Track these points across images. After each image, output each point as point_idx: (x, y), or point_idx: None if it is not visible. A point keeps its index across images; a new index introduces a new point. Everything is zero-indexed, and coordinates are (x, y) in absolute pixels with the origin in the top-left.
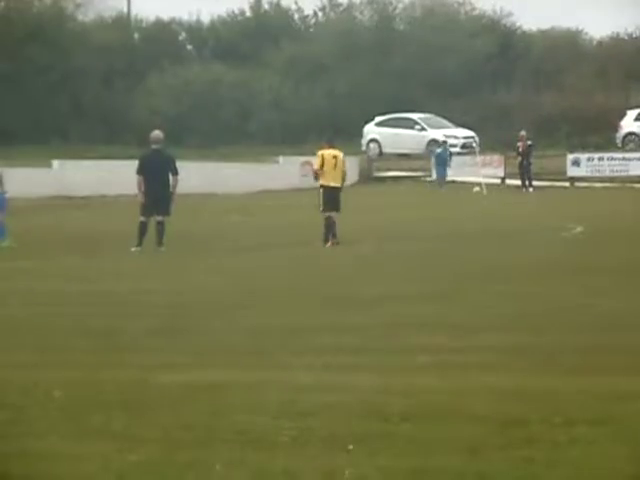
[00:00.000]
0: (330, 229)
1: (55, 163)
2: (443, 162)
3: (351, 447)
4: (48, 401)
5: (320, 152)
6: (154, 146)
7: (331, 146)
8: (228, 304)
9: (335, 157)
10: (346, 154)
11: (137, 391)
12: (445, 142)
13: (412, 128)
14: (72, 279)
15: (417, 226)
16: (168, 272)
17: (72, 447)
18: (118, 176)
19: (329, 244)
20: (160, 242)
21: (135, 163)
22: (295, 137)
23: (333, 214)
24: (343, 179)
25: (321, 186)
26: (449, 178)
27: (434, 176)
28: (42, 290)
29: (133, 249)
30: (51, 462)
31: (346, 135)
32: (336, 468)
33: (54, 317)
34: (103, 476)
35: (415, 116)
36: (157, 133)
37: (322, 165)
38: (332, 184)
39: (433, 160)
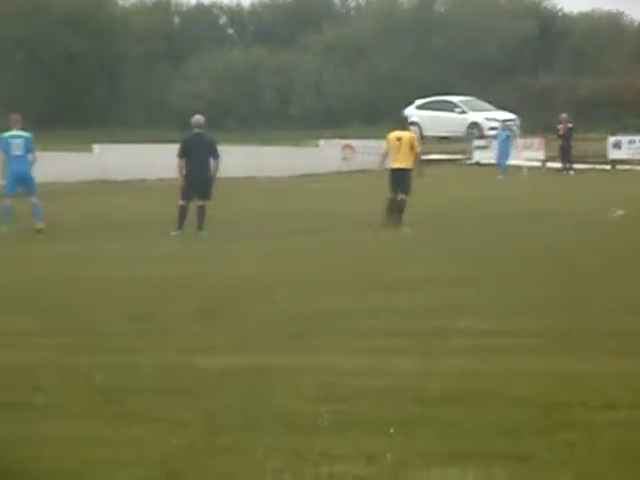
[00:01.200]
0: (391, 210)
1: (96, 147)
2: (505, 145)
3: (392, 431)
4: (88, 385)
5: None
6: (196, 130)
7: (401, 127)
8: (269, 288)
9: (399, 139)
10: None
11: (178, 375)
12: (507, 123)
13: (452, 111)
14: (112, 263)
15: (459, 208)
16: (209, 256)
17: (112, 431)
18: (158, 160)
19: (393, 225)
20: (201, 226)
21: (174, 147)
22: (335, 120)
23: (401, 196)
24: (414, 160)
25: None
26: (488, 161)
27: (497, 159)
28: (83, 274)
29: (173, 233)
30: (91, 447)
31: (386, 118)
32: (376, 452)
33: (95, 301)
34: (144, 460)
35: (455, 99)
36: (198, 117)
37: (387, 148)
38: (395, 166)
39: (495, 143)
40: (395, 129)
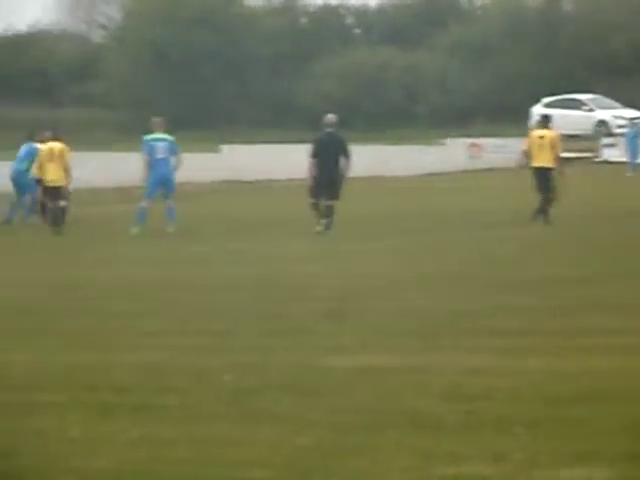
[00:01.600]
0: (543, 209)
1: (224, 148)
2: (634, 143)
3: (520, 430)
4: (218, 385)
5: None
6: (327, 129)
7: (543, 126)
8: (397, 287)
9: (542, 137)
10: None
11: (306, 374)
12: (634, 121)
13: (580, 109)
14: (241, 263)
15: (589, 206)
16: (337, 255)
17: (241, 431)
18: (286, 160)
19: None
20: (329, 226)
21: (301, 147)
22: (462, 119)
23: (548, 195)
24: (555, 159)
25: (531, 167)
26: (617, 159)
27: (626, 157)
28: (213, 275)
29: (318, 228)
30: (221, 447)
31: (513, 116)
32: (505, 451)
33: (224, 301)
34: (273, 460)
35: (583, 97)
36: (331, 116)
37: (529, 146)
38: (537, 164)
39: (624, 141)
40: (539, 127)
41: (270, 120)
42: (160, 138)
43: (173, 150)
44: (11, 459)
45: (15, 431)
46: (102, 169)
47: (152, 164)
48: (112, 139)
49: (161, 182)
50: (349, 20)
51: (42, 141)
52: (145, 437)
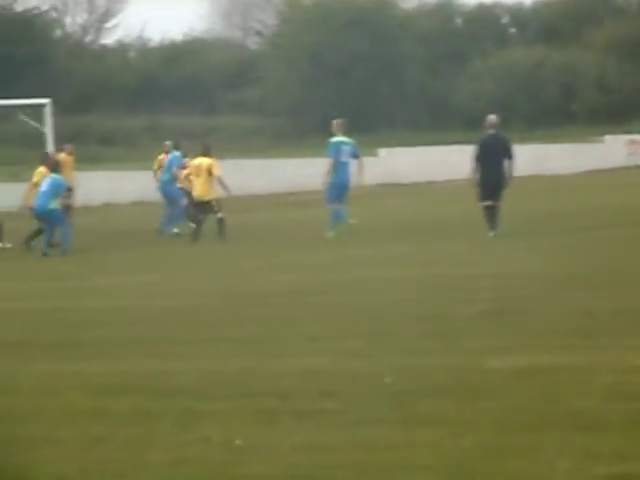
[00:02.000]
0: None
1: (381, 151)
2: None
3: None
4: (379, 388)
5: None
6: (490, 131)
7: None
8: (555, 286)
9: None
10: None
11: (467, 376)
12: None
13: None
14: (400, 266)
15: None
16: (496, 255)
17: (403, 434)
18: (443, 162)
19: None
20: (493, 226)
21: (459, 148)
22: (620, 116)
23: None
24: None
25: None
26: None
27: None
28: (371, 277)
29: (491, 234)
30: (382, 451)
31: None
32: None
33: (384, 304)
34: (436, 463)
35: None
36: (492, 117)
37: None
38: None
39: None
40: None
41: (426, 122)
42: (345, 142)
43: (355, 153)
44: (180, 467)
45: (181, 438)
46: (259, 175)
47: (336, 167)
48: (268, 145)
49: (343, 186)
50: (504, 19)
51: (164, 151)
52: (306, 443)
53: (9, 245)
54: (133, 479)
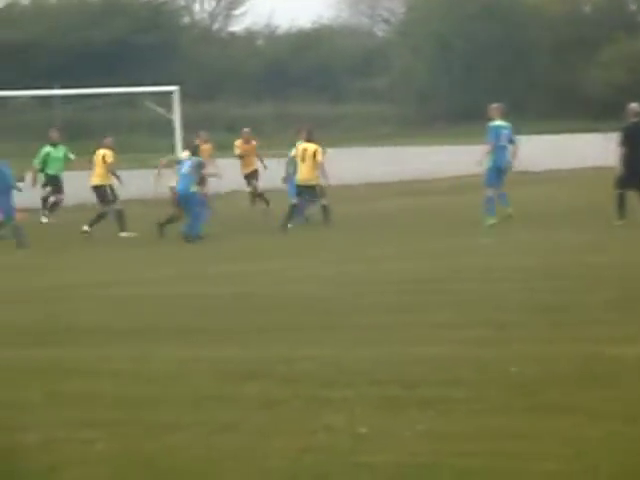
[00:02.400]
0: None
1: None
2: None
3: None
4: (504, 377)
5: None
6: (633, 119)
7: None
8: None
9: None
10: None
11: (592, 365)
12: None
13: None
14: (526, 254)
15: None
16: (624, 244)
17: (529, 423)
18: (573, 150)
19: None
20: (622, 215)
21: (586, 137)
22: None
23: None
24: None
25: None
26: None
27: None
28: (498, 266)
29: (617, 223)
30: (508, 439)
31: None
32: None
33: (510, 292)
34: (560, 453)
35: None
36: (634, 106)
37: None
38: None
39: None
40: None
41: (556, 109)
42: (504, 126)
43: (511, 138)
44: (306, 454)
45: (307, 426)
46: (385, 163)
47: (495, 151)
48: (396, 133)
49: (500, 169)
50: (632, 7)
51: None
52: (431, 431)
53: (133, 234)
54: (261, 466)
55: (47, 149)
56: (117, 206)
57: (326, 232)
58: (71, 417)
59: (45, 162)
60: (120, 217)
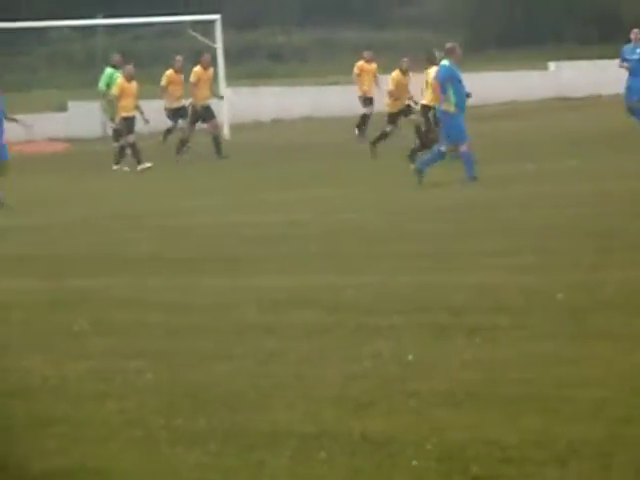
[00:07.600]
0: None
1: (551, 65)
2: None
3: None
4: (551, 304)
5: None
6: None
7: None
8: None
9: None
10: None
11: (639, 291)
12: None
13: None
14: (571, 181)
15: None
16: None
17: (575, 350)
18: (612, 76)
19: None
20: None
21: None
22: None
23: None
24: None
25: None
26: None
27: None
28: (542, 192)
29: None
30: (555, 365)
31: None
32: None
33: (555, 218)
34: (607, 379)
35: None
36: None
37: None
38: None
39: None
40: None
41: (596, 35)
42: None
43: None
44: (353, 382)
45: (354, 353)
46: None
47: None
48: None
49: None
50: None
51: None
52: (478, 358)
53: (148, 164)
54: (307, 394)
55: (110, 71)
56: (130, 140)
57: (377, 160)
58: (120, 347)
59: (109, 85)
60: (134, 150)
